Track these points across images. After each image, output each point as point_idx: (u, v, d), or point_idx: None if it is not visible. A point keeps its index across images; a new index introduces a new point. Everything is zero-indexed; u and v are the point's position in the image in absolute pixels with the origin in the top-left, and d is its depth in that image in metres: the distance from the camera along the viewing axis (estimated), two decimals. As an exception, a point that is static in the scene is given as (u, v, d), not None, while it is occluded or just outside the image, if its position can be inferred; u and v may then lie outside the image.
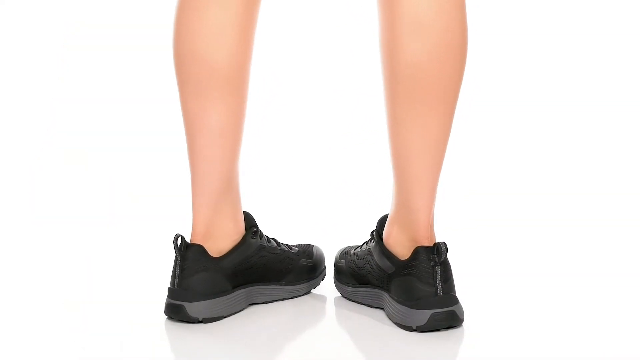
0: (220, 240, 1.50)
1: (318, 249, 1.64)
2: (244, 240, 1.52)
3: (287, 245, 1.61)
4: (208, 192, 1.48)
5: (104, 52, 2.60)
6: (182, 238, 1.47)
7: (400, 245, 1.45)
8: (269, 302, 1.55)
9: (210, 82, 1.42)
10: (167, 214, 2.17)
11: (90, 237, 2.05)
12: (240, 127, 1.48)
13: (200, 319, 1.45)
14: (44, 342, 1.42)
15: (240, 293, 1.51)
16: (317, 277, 1.61)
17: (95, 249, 1.95)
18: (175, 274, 1.46)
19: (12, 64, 2.60)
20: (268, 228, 1.66)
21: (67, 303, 1.60)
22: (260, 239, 1.55)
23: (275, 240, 1.59)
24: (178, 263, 1.46)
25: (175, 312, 1.46)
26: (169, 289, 1.47)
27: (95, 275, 1.76)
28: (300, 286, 1.59)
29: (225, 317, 1.48)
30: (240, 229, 1.52)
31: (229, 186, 1.50)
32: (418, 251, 1.40)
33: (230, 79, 1.43)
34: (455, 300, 1.40)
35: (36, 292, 1.66)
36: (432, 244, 1.43)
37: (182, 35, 1.42)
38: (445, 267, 1.40)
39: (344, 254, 1.60)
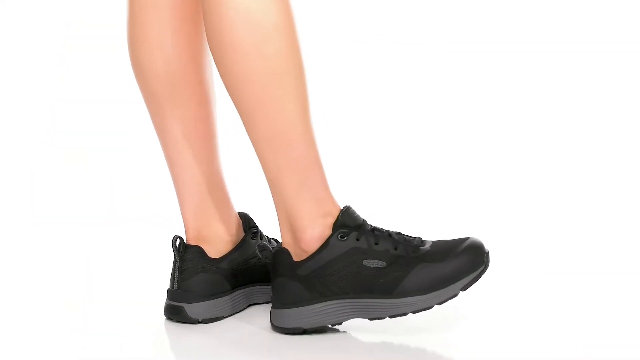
0: (215, 243, 1.50)
1: None
2: (243, 241, 1.52)
3: None
4: (189, 199, 1.49)
5: (104, 52, 2.59)
6: (181, 239, 1.47)
7: None
8: (269, 302, 1.55)
9: (161, 91, 1.45)
10: (167, 214, 2.16)
11: (90, 237, 2.05)
12: (209, 132, 1.48)
13: (199, 320, 1.45)
14: (44, 342, 1.42)
15: (239, 293, 1.51)
16: None
17: (95, 249, 1.95)
18: (175, 275, 1.46)
19: (12, 63, 2.60)
20: (269, 229, 1.66)
21: (67, 303, 1.60)
22: (261, 239, 1.55)
23: (276, 240, 1.59)
24: (177, 264, 1.46)
25: (175, 313, 1.46)
26: (169, 290, 1.47)
27: (95, 275, 1.76)
28: None
29: (225, 317, 1.48)
30: (232, 231, 1.52)
31: (211, 190, 1.50)
32: None
33: (179, 86, 1.45)
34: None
35: (36, 292, 1.66)
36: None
37: (131, 49, 1.46)
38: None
39: None
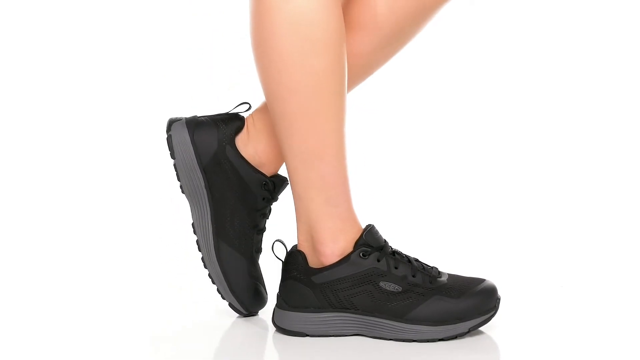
0: None
1: None
2: None
3: None
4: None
5: (104, 52, 2.59)
6: None
7: None
8: None
9: None
10: (168, 213, 2.16)
11: (89, 237, 2.05)
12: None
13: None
14: (44, 342, 1.42)
15: None
16: None
17: (94, 249, 1.95)
18: None
19: (12, 63, 2.59)
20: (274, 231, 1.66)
21: (66, 303, 1.60)
22: None
23: None
24: None
25: None
26: None
27: (95, 276, 1.76)
28: None
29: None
30: None
31: None
32: None
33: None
34: None
35: (36, 292, 1.66)
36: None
37: None
38: None
39: None
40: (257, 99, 1.49)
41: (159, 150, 1.76)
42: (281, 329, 1.41)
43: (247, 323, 1.47)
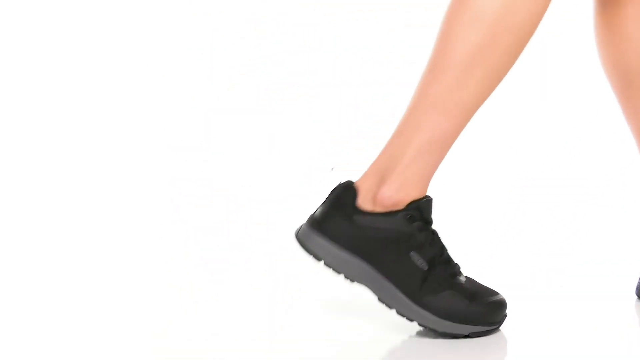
0: None
1: None
2: None
3: None
4: None
5: (104, 52, 2.59)
6: None
7: None
8: None
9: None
10: (168, 213, 2.16)
11: (89, 237, 2.05)
12: None
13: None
14: (44, 342, 1.42)
15: None
16: None
17: (94, 249, 1.95)
18: None
19: (12, 64, 2.59)
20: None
21: (67, 303, 1.60)
22: None
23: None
24: None
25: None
26: None
27: (95, 276, 1.76)
28: None
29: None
30: None
31: None
32: None
33: None
34: None
35: (36, 292, 1.66)
36: None
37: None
38: None
39: None
40: (257, 99, 1.48)
41: (158, 150, 1.77)
42: (301, 243, 1.38)
43: (247, 323, 1.47)
